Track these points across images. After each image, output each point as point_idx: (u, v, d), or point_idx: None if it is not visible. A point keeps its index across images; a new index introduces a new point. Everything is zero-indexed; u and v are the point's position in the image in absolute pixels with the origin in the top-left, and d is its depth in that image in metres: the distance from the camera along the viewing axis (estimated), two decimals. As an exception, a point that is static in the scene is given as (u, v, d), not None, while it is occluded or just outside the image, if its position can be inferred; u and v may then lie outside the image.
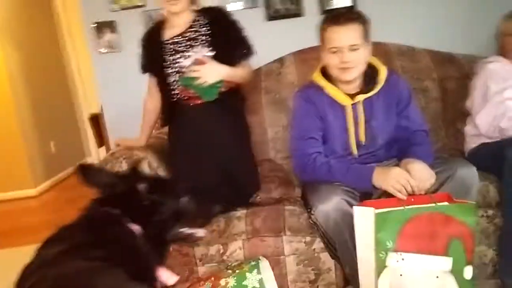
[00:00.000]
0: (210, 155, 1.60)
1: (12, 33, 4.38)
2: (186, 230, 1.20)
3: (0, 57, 4.15)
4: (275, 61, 2.30)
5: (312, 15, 2.70)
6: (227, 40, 1.79)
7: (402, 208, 1.30)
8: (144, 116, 1.95)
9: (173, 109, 1.80)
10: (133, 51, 2.72)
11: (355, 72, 1.53)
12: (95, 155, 5.83)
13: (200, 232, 1.24)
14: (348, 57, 1.48)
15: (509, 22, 1.87)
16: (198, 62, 1.69)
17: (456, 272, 1.26)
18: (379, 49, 1.93)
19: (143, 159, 1.64)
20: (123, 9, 2.75)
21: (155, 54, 1.84)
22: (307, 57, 2.22)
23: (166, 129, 2.20)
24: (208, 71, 1.67)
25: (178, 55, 1.79)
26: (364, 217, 1.33)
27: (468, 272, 1.27)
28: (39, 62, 4.91)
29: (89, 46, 2.79)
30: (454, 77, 2.17)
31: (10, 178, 4.29)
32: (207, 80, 1.66)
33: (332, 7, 2.72)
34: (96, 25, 2.76)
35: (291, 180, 1.89)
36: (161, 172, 1.67)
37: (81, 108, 5.77)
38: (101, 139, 3.66)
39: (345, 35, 1.47)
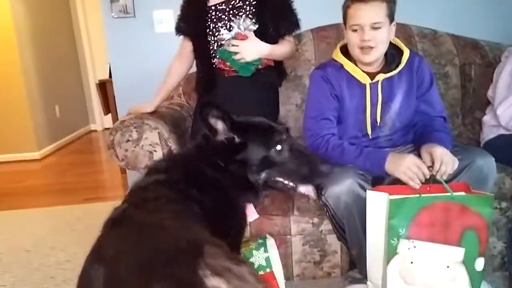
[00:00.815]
0: None
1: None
2: (283, 181, 1.22)
3: (10, 17, 4.09)
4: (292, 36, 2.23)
5: (334, -10, 2.60)
6: (275, 12, 1.71)
7: (417, 196, 1.27)
8: (166, 79, 1.89)
9: (210, 77, 1.76)
10: (147, 17, 2.66)
11: (376, 54, 1.47)
12: (99, 122, 5.92)
13: (301, 188, 1.25)
14: (369, 34, 1.42)
15: None
16: (239, 37, 1.63)
17: (468, 262, 1.25)
18: (400, 31, 1.85)
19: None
20: (139, -27, 2.65)
21: (197, 19, 1.77)
22: (326, 34, 2.15)
23: (177, 100, 2.16)
24: (247, 48, 1.62)
25: (220, 23, 1.73)
26: (376, 203, 1.31)
27: (479, 264, 1.26)
28: (48, 26, 4.85)
29: (102, 10, 2.70)
30: (477, 64, 2.09)
31: (14, 140, 4.28)
32: (245, 57, 1.62)
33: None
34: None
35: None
36: (172, 143, 1.64)
37: (88, 74, 5.78)
38: (108, 107, 3.63)
39: (368, 12, 1.42)
